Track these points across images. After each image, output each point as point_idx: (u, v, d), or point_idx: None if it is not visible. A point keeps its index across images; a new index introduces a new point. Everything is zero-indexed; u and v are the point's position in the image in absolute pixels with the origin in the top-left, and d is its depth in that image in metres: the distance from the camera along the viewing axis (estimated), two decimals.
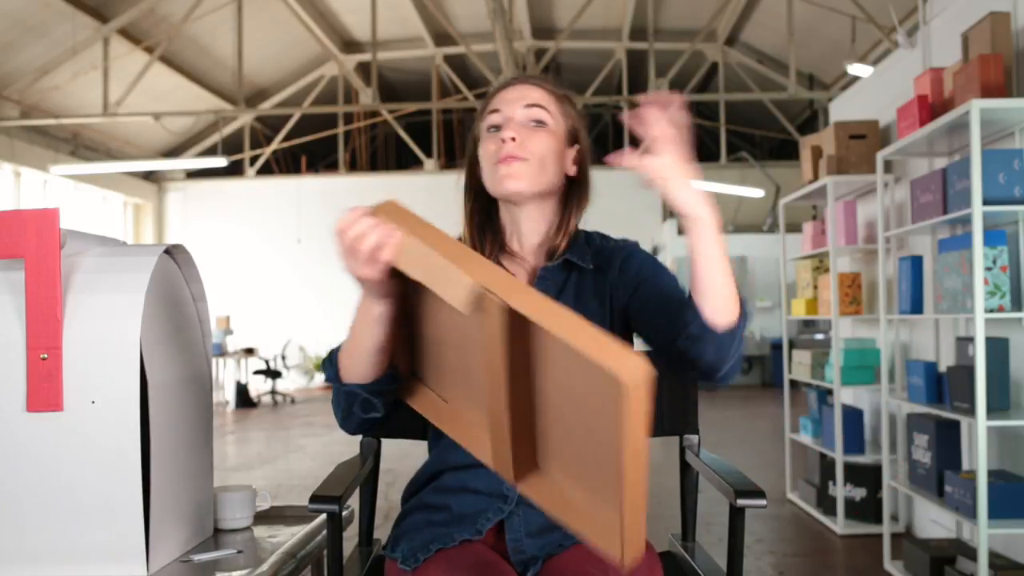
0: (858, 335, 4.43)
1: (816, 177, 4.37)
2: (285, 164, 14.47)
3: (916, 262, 3.35)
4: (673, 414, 1.60)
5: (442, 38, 12.36)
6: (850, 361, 4.02)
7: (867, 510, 3.98)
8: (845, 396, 4.47)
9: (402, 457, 4.57)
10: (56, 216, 1.25)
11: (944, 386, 3.06)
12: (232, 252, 13.06)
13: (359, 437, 1.52)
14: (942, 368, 3.41)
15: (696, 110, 14.76)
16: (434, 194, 14.12)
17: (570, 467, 1.05)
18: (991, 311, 2.72)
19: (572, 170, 1.37)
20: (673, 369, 1.26)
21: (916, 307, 3.31)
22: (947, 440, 3.07)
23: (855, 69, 8.13)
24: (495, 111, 1.34)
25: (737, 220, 13.27)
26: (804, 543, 3.90)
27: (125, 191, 12.86)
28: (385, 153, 15.40)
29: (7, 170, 10.49)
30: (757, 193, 12.11)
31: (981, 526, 2.63)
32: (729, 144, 13.63)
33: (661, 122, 1.10)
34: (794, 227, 5.67)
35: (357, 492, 1.52)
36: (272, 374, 11.18)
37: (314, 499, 1.30)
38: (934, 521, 3.62)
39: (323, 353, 13.07)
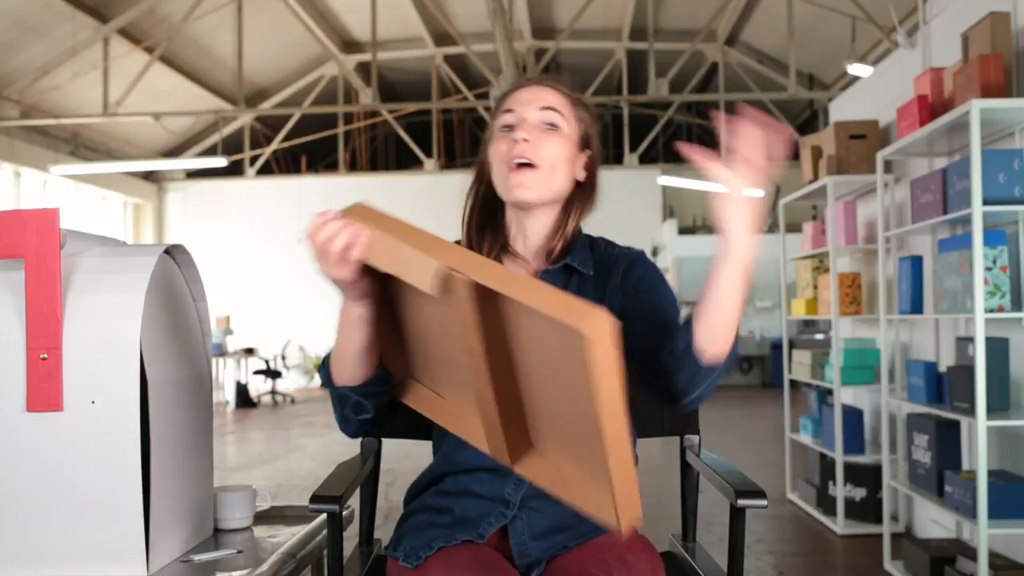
0: (858, 335, 4.43)
1: (816, 177, 4.37)
2: (285, 164, 14.47)
3: (916, 262, 3.35)
4: (673, 414, 1.59)
5: (442, 38, 12.36)
6: (850, 361, 4.02)
7: (867, 510, 3.97)
8: (845, 396, 4.47)
9: (403, 457, 4.57)
10: (56, 216, 1.25)
11: (944, 386, 3.06)
12: (232, 252, 13.06)
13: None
14: (942, 368, 3.41)
15: (696, 110, 14.77)
16: (434, 194, 14.18)
17: (560, 441, 1.05)
18: (991, 311, 2.72)
19: (582, 175, 1.37)
20: (642, 381, 1.26)
21: (916, 307, 3.31)
22: (947, 440, 3.07)
23: (855, 69, 8.13)
24: (509, 111, 1.34)
25: None
26: (804, 543, 3.90)
27: (125, 191, 12.86)
28: (385, 153, 15.40)
29: (7, 170, 10.49)
30: (757, 193, 12.10)
31: (981, 526, 2.63)
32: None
33: (757, 144, 1.08)
34: (794, 227, 5.68)
35: (357, 492, 1.52)
36: (272, 374, 11.18)
37: (314, 499, 1.30)
38: (934, 521, 3.62)
39: (323, 353, 13.08)
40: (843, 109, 4.88)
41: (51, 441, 1.23)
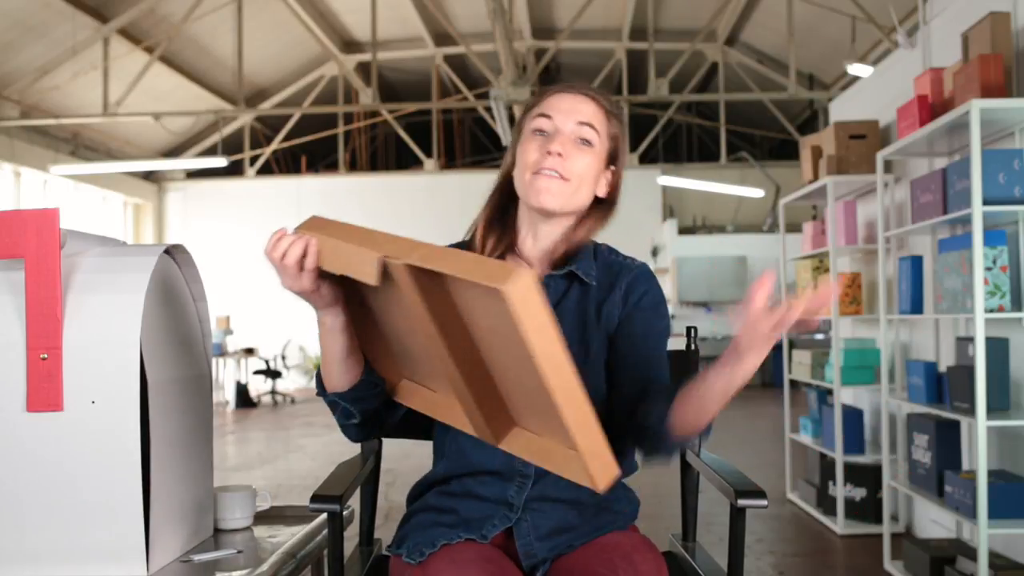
0: (858, 335, 4.43)
1: (816, 177, 4.37)
2: (285, 164, 14.47)
3: (916, 262, 3.35)
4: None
5: (442, 38, 12.36)
6: (850, 361, 4.02)
7: (867, 510, 3.97)
8: (845, 396, 4.47)
9: (403, 457, 4.56)
10: (56, 216, 1.25)
11: (944, 386, 3.06)
12: (232, 252, 13.05)
13: None
14: (942, 368, 3.41)
15: (696, 110, 14.77)
16: (434, 194, 14.15)
17: (530, 411, 1.07)
18: (991, 311, 2.72)
19: (603, 192, 1.37)
20: (611, 417, 1.29)
21: (916, 307, 3.31)
22: (947, 440, 3.07)
23: (855, 69, 8.13)
24: (546, 116, 1.32)
25: (737, 220, 13.27)
26: (804, 543, 3.90)
27: (125, 191, 12.86)
28: (385, 153, 15.39)
29: (7, 170, 10.49)
30: (757, 193, 12.10)
31: (981, 526, 2.63)
32: (729, 144, 13.63)
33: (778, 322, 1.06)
34: (794, 227, 5.67)
35: (357, 492, 1.52)
36: (272, 374, 11.18)
37: (315, 499, 1.30)
38: (934, 521, 3.62)
39: None
40: (843, 109, 4.88)
41: (51, 441, 1.23)
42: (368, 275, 1.06)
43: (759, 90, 11.87)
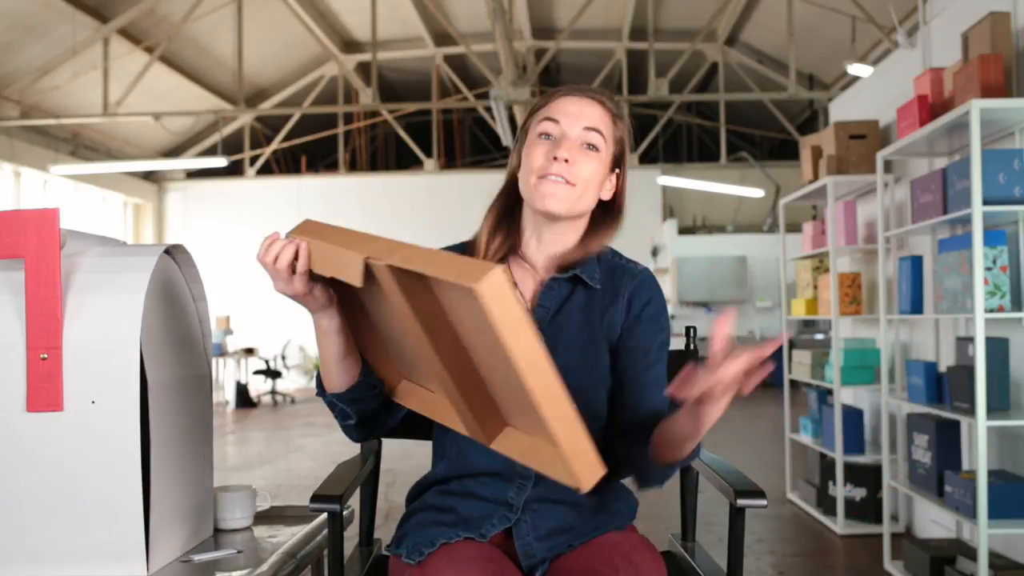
0: (858, 335, 4.43)
1: (816, 177, 4.37)
2: (285, 164, 14.47)
3: (916, 262, 3.35)
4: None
5: (442, 38, 12.36)
6: (850, 361, 4.02)
7: (867, 510, 3.97)
8: (845, 396, 4.47)
9: (403, 457, 4.57)
10: (56, 216, 1.25)
11: (944, 386, 3.06)
12: (232, 252, 13.05)
13: None
14: (942, 368, 3.41)
15: (696, 110, 14.77)
16: (434, 194, 14.13)
17: (517, 410, 1.06)
18: (991, 311, 2.72)
19: (607, 195, 1.37)
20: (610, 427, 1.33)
21: (916, 307, 3.31)
22: (947, 440, 3.07)
23: (855, 69, 8.12)
24: (552, 120, 1.32)
25: (737, 220, 13.27)
26: (804, 543, 3.90)
27: (125, 191, 12.86)
28: (385, 153, 15.39)
29: (7, 170, 10.49)
30: (757, 193, 12.10)
31: (981, 526, 2.63)
32: (729, 144, 13.63)
33: (736, 372, 1.06)
34: (794, 227, 5.68)
35: (357, 492, 1.52)
36: (272, 374, 11.18)
37: (315, 498, 1.30)
38: (934, 521, 3.62)
39: None
40: (843, 109, 4.88)
41: (51, 441, 1.23)
42: (353, 277, 1.07)
43: (759, 90, 11.87)
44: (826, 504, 4.18)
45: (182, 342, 1.43)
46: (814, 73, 11.92)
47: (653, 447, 1.23)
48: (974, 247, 2.67)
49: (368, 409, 1.33)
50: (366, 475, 1.55)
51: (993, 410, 2.75)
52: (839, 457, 3.94)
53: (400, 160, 14.99)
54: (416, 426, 1.45)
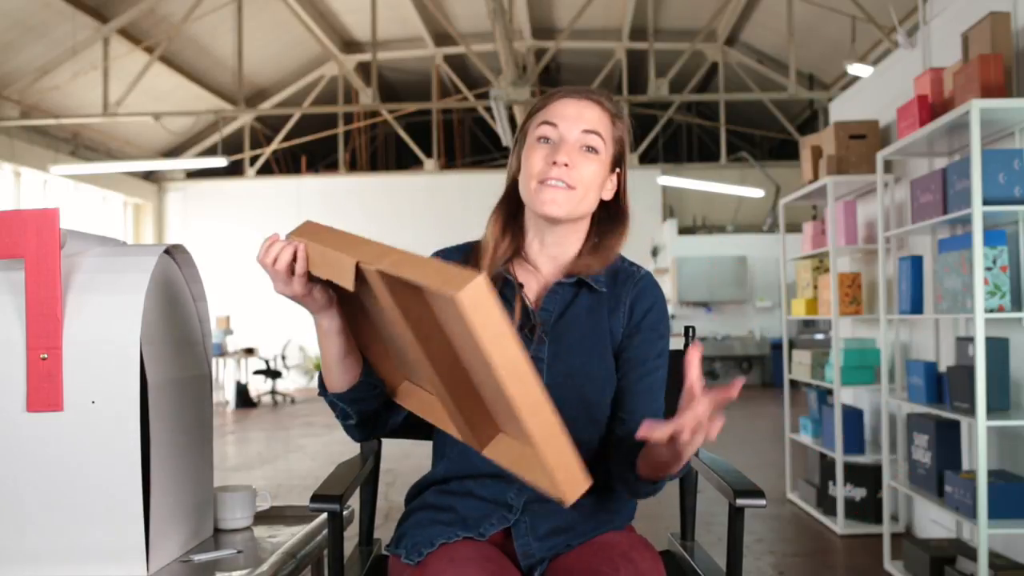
0: (858, 335, 4.43)
1: (816, 177, 4.37)
2: (285, 164, 14.47)
3: (916, 262, 3.35)
4: (672, 413, 1.60)
5: (442, 38, 12.36)
6: (850, 361, 4.02)
7: (867, 510, 3.98)
8: (845, 396, 4.47)
9: (403, 457, 4.56)
10: (56, 216, 1.25)
11: (944, 386, 3.06)
12: (232, 252, 13.05)
13: None
14: (942, 368, 3.41)
15: (696, 110, 14.77)
16: (434, 194, 14.12)
17: (506, 418, 1.05)
18: (991, 311, 2.72)
19: (608, 195, 1.37)
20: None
21: (916, 307, 3.31)
22: (947, 440, 3.07)
23: (855, 69, 8.12)
24: (550, 124, 1.32)
25: (737, 220, 13.27)
26: (804, 543, 3.90)
27: (125, 191, 12.86)
28: (385, 153, 15.39)
29: (7, 170, 10.49)
30: (757, 193, 12.10)
31: (981, 526, 2.63)
32: (729, 144, 13.63)
33: (701, 415, 1.06)
34: (794, 227, 5.68)
35: (357, 492, 1.52)
36: (272, 374, 11.18)
37: (315, 498, 1.30)
38: (934, 521, 3.62)
39: None
40: (843, 109, 4.88)
41: (51, 441, 1.23)
42: (346, 280, 1.08)
43: (759, 90, 11.87)
44: (826, 504, 4.18)
45: (182, 342, 1.43)
46: (814, 73, 11.92)
47: (640, 465, 1.23)
48: (974, 247, 2.67)
49: (369, 409, 1.33)
50: (366, 475, 1.55)
51: (993, 410, 2.75)
52: (839, 457, 3.94)
53: (400, 160, 14.99)
54: (417, 426, 1.45)
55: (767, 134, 13.80)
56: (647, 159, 13.91)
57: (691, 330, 1.61)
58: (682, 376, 1.56)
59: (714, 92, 12.82)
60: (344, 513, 1.33)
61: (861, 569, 3.50)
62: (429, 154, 13.65)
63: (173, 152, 13.33)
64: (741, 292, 12.64)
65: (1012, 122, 2.93)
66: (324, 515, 1.53)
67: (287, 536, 1.50)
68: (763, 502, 1.27)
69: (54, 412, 1.23)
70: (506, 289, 1.34)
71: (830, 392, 4.34)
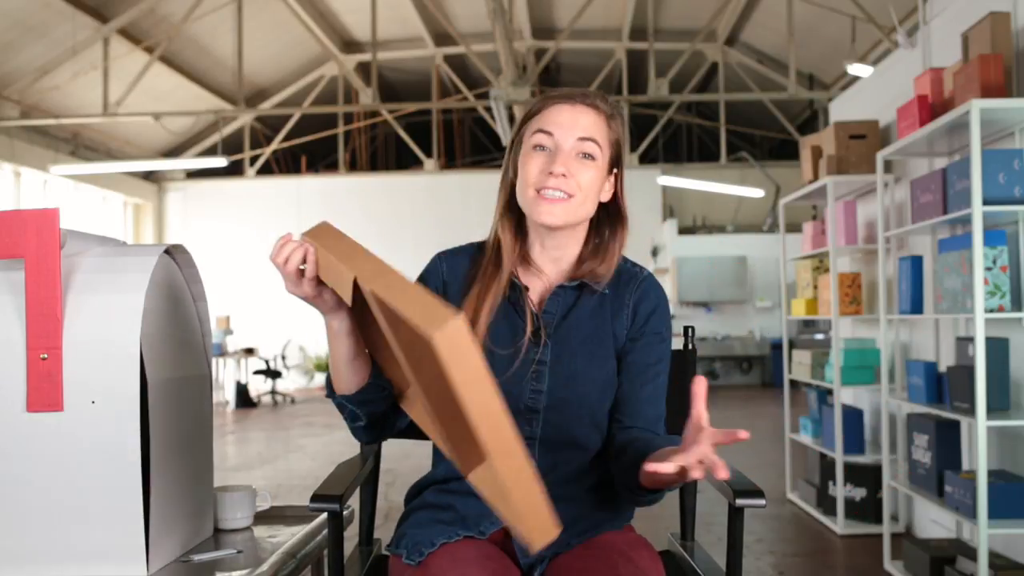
0: (858, 335, 4.43)
1: (816, 177, 4.37)
2: (285, 164, 14.47)
3: (916, 262, 3.35)
4: (672, 413, 1.60)
5: (442, 38, 12.36)
6: (850, 361, 4.02)
7: (867, 510, 3.97)
8: (845, 396, 4.47)
9: (403, 457, 4.57)
10: (56, 216, 1.25)
11: (944, 386, 3.06)
12: (232, 252, 13.05)
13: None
14: (942, 368, 3.41)
15: (696, 110, 14.77)
16: (434, 194, 14.12)
17: (480, 451, 1.04)
18: (991, 311, 2.72)
19: (607, 196, 1.36)
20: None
21: (916, 307, 3.31)
22: (947, 440, 3.07)
23: (855, 69, 8.12)
24: (546, 132, 1.31)
25: (737, 220, 13.27)
26: (804, 543, 3.90)
27: (125, 191, 12.86)
28: (385, 153, 15.39)
29: (7, 170, 10.49)
30: (757, 193, 12.10)
31: (981, 526, 2.63)
32: (729, 144, 13.63)
33: (706, 451, 1.05)
34: (794, 227, 5.68)
35: (357, 492, 1.52)
36: (272, 374, 11.18)
37: (315, 498, 1.30)
38: (934, 521, 3.62)
39: (323, 353, 13.08)
40: (843, 109, 4.88)
41: (51, 441, 1.23)
42: (345, 293, 1.09)
43: (759, 90, 11.87)
44: (826, 504, 4.18)
45: (182, 342, 1.43)
46: (814, 73, 11.92)
47: (642, 476, 1.23)
48: (974, 247, 2.67)
49: (378, 411, 1.32)
50: (366, 475, 1.55)
51: (993, 410, 2.75)
52: (839, 457, 3.94)
53: (400, 160, 14.99)
54: (416, 426, 1.45)
55: (767, 134, 13.81)
56: (647, 159, 13.91)
57: (691, 330, 1.62)
58: (681, 377, 1.57)
59: (714, 92, 12.82)
60: (344, 513, 1.33)
61: (861, 569, 3.50)
62: (429, 154, 13.65)
63: (173, 152, 13.33)
64: (741, 292, 12.64)
65: (1012, 122, 2.93)
66: (324, 515, 1.53)
67: (287, 536, 1.50)
68: (763, 502, 1.27)
69: (54, 412, 1.23)
70: (512, 292, 1.34)
71: (830, 392, 4.34)
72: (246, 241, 13.27)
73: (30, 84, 9.78)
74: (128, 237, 12.99)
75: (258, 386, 11.91)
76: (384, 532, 1.39)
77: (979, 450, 2.64)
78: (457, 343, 0.86)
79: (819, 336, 11.47)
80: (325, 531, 1.53)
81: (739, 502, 1.28)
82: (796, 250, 4.80)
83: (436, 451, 1.41)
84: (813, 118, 13.20)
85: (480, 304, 1.31)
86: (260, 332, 12.53)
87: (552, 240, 1.35)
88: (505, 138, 9.79)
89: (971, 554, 2.95)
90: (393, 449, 1.77)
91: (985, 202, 2.65)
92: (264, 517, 1.63)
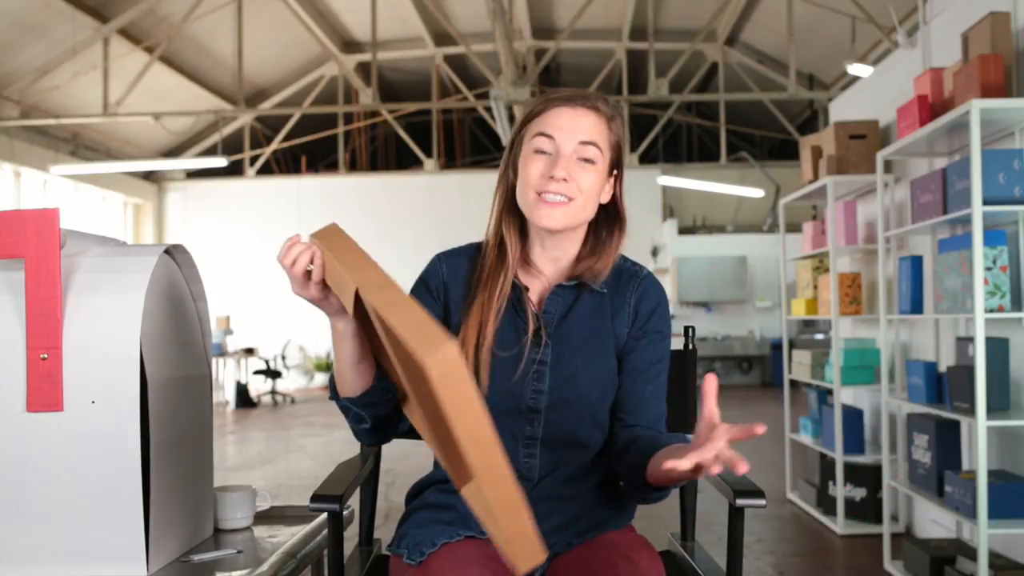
0: (858, 335, 4.43)
1: (816, 177, 4.37)
2: (285, 164, 14.47)
3: (916, 262, 3.35)
4: (672, 413, 1.60)
5: (442, 38, 12.36)
6: (850, 361, 4.02)
7: (867, 510, 3.97)
8: (845, 396, 4.47)
9: (403, 457, 4.57)
10: (56, 216, 1.25)
11: (944, 386, 3.06)
12: (232, 252, 13.06)
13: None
14: (942, 368, 3.41)
15: (696, 110, 14.77)
16: (434, 194, 14.12)
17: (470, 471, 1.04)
18: (991, 311, 2.72)
19: (607, 198, 1.36)
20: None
21: (916, 307, 3.31)
22: (947, 440, 3.07)
23: (855, 69, 8.12)
24: (546, 136, 1.30)
25: (737, 220, 13.27)
26: (804, 543, 3.90)
27: (125, 191, 12.86)
28: (385, 153, 15.39)
29: (7, 170, 10.49)
30: (757, 193, 12.10)
31: (981, 526, 2.63)
32: (729, 144, 13.63)
33: (722, 447, 1.05)
34: (794, 227, 5.68)
35: (357, 492, 1.52)
36: (272, 374, 11.18)
37: (315, 498, 1.30)
38: (934, 521, 3.62)
39: (323, 353, 13.08)
40: (843, 109, 4.88)
41: (51, 441, 1.23)
42: (347, 302, 1.09)
43: (759, 90, 11.87)
44: (826, 504, 4.18)
45: (182, 342, 1.43)
46: (814, 73, 11.92)
47: (649, 473, 1.23)
48: (974, 247, 2.67)
49: (382, 413, 1.32)
50: (366, 475, 1.55)
51: (993, 410, 2.75)
52: (839, 457, 3.94)
53: (400, 160, 14.99)
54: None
55: (767, 134, 13.80)
56: (647, 159, 13.91)
57: (691, 330, 1.62)
58: (681, 376, 1.57)
59: (714, 92, 12.82)
60: (344, 513, 1.33)
61: (861, 569, 3.50)
62: (429, 154, 13.65)
63: (173, 152, 13.33)
64: (741, 292, 12.63)
65: (1012, 122, 2.93)
66: (324, 515, 1.53)
67: (287, 536, 1.50)
68: (763, 502, 1.27)
69: (54, 412, 1.23)
70: (512, 293, 1.35)
71: (830, 392, 4.34)
72: (246, 241, 13.27)
73: (30, 84, 9.78)
74: (128, 237, 12.99)
75: (258, 386, 11.91)
76: (384, 532, 1.39)
77: (979, 450, 2.64)
78: (449, 370, 0.85)
79: (819, 336, 11.47)
80: (325, 531, 1.53)
81: (739, 502, 1.28)
82: (796, 250, 4.80)
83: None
84: (813, 118, 13.20)
85: (487, 311, 1.31)
86: (260, 332, 12.53)
87: (552, 240, 1.35)
88: (505, 138, 9.79)
89: (971, 554, 2.95)
90: (393, 449, 1.77)
91: (985, 202, 2.65)
92: (264, 517, 1.62)
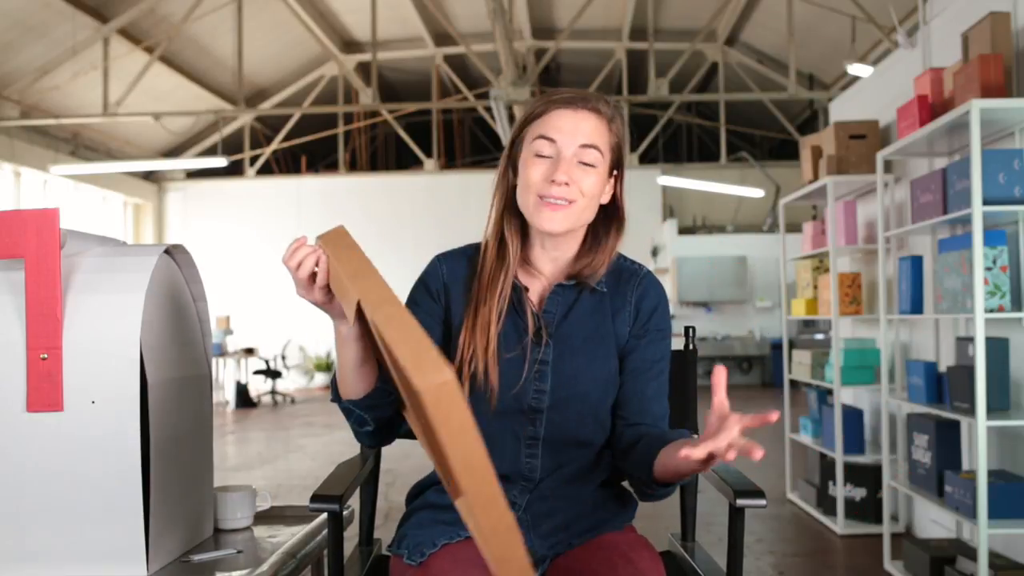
0: (858, 335, 4.43)
1: (816, 177, 4.37)
2: (285, 164, 14.46)
3: (916, 262, 3.35)
4: (673, 413, 1.60)
5: (442, 38, 12.36)
6: (850, 361, 4.02)
7: (867, 510, 3.97)
8: (845, 396, 4.47)
9: (403, 457, 4.57)
10: (56, 216, 1.25)
11: (944, 386, 3.06)
12: (232, 252, 13.06)
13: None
14: (942, 368, 3.41)
15: (696, 110, 14.77)
16: (434, 194, 14.11)
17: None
18: (991, 311, 2.72)
19: (607, 198, 1.36)
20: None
21: (916, 307, 3.31)
22: (947, 440, 3.07)
23: (855, 69, 8.12)
24: (548, 139, 1.30)
25: (737, 220, 13.27)
26: (804, 543, 3.90)
27: (125, 191, 12.86)
28: (385, 153, 15.39)
29: (7, 170, 10.49)
30: (757, 193, 12.10)
31: (981, 526, 2.63)
32: (729, 144, 13.63)
33: (735, 436, 1.05)
34: (794, 227, 5.68)
35: (357, 492, 1.52)
36: (272, 374, 11.18)
37: (315, 498, 1.30)
38: (934, 521, 3.62)
39: (323, 353, 13.08)
40: (843, 109, 4.88)
41: (51, 441, 1.23)
42: (349, 311, 1.09)
43: (759, 90, 11.87)
44: (826, 504, 4.18)
45: (182, 342, 1.43)
46: (814, 73, 11.91)
47: (656, 470, 1.23)
48: (974, 247, 2.67)
49: (384, 416, 1.32)
50: (366, 475, 1.55)
51: (993, 410, 2.75)
52: (839, 457, 3.94)
53: (400, 160, 14.99)
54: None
55: (767, 134, 13.80)
56: (647, 159, 13.91)
57: (691, 330, 1.62)
58: (682, 377, 1.57)
59: (714, 92, 12.81)
60: (344, 513, 1.33)
61: (861, 569, 3.50)
62: (429, 154, 13.65)
63: (173, 152, 13.33)
64: (741, 292, 12.63)
65: (1012, 122, 2.93)
66: (324, 515, 1.53)
67: (287, 536, 1.50)
68: (763, 502, 1.27)
69: (54, 412, 1.23)
70: (513, 293, 1.35)
71: (830, 392, 4.34)
72: (246, 241, 13.27)
73: (30, 84, 9.78)
74: (128, 237, 12.99)
75: (258, 386, 11.91)
76: (384, 532, 1.39)
77: (979, 450, 2.64)
78: (444, 396, 0.85)
79: (819, 336, 11.47)
80: (325, 531, 1.53)
81: (739, 502, 1.28)
82: (796, 250, 4.80)
83: None
84: (813, 118, 13.20)
85: (490, 315, 1.31)
86: (260, 332, 12.53)
87: (552, 241, 1.35)
88: (505, 138, 9.78)
89: (971, 554, 2.95)
90: (393, 449, 1.77)
91: (985, 202, 2.65)
92: (264, 517, 1.62)
